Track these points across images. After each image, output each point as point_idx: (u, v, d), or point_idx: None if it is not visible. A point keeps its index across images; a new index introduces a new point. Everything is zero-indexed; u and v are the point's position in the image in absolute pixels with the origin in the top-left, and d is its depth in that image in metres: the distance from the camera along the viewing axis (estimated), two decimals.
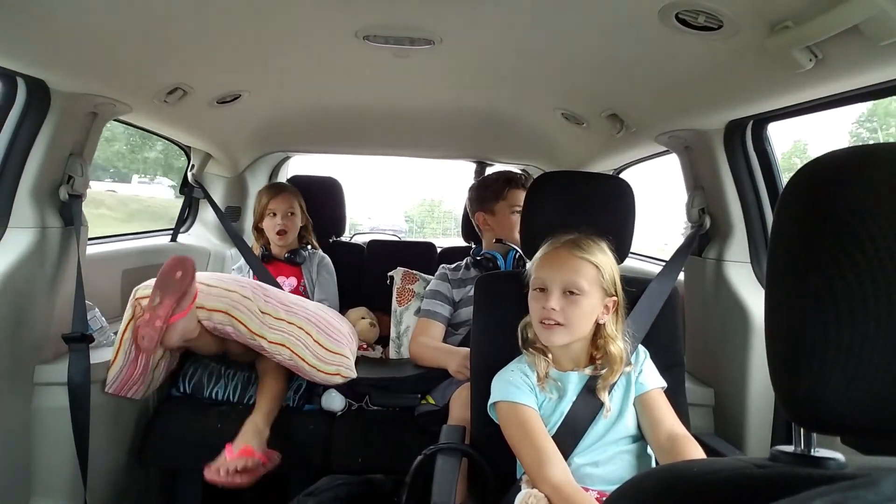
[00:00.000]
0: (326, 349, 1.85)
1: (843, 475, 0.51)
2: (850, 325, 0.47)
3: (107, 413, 1.73)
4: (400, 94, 2.14)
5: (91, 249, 2.03)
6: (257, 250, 2.44)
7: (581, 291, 1.26)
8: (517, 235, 2.09)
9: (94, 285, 1.90)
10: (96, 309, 1.84)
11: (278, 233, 2.37)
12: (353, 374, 1.88)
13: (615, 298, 1.32)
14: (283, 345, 1.79)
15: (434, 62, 1.73)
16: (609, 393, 1.30)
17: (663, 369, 1.40)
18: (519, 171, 2.47)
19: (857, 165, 0.48)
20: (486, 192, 2.22)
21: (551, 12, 1.34)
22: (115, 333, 1.89)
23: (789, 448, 0.55)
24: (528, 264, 1.38)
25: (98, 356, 1.71)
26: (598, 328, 1.32)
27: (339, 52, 1.66)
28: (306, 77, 1.94)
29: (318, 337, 1.85)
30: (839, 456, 0.53)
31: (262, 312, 1.82)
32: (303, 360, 1.81)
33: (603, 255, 1.31)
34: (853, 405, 0.48)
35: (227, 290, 1.81)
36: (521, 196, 2.12)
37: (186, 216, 2.78)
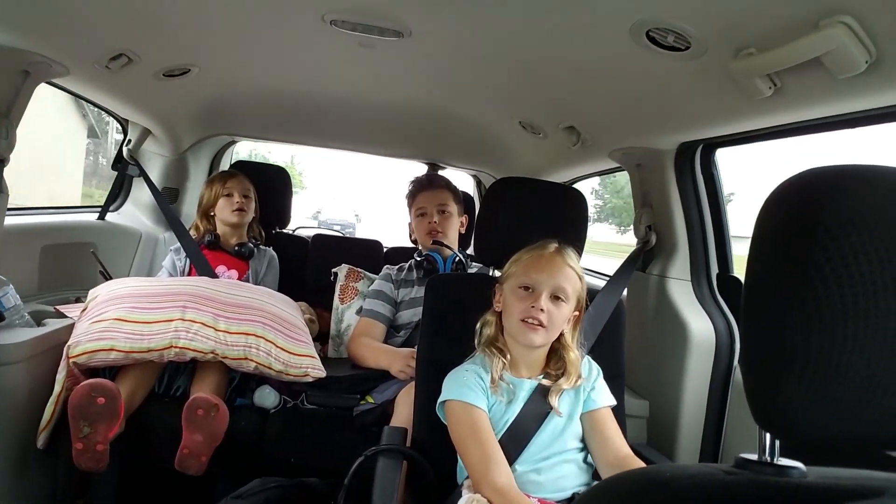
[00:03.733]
0: (291, 353, 1.77)
1: (806, 484, 0.52)
2: (831, 339, 0.48)
3: (17, 399, 1.58)
4: (359, 85, 2.09)
5: (9, 221, 1.86)
6: (197, 236, 2.31)
7: (566, 298, 1.29)
8: (425, 237, 2.14)
9: (9, 260, 1.76)
10: (10, 286, 1.68)
11: (236, 210, 2.27)
12: (323, 373, 1.79)
13: (578, 312, 1.35)
14: (246, 358, 1.71)
15: (399, 56, 1.70)
16: (558, 399, 1.31)
17: (607, 379, 1.42)
18: (428, 174, 2.53)
19: (845, 181, 0.50)
20: (406, 201, 2.27)
21: (526, 20, 1.34)
22: (29, 314, 1.75)
23: (753, 456, 0.56)
24: (507, 265, 1.37)
25: (9, 336, 1.56)
26: (558, 337, 1.33)
27: (302, 34, 1.60)
28: (263, 57, 1.86)
29: (281, 342, 1.76)
30: (801, 465, 0.54)
31: (217, 330, 1.72)
32: (269, 367, 1.73)
33: (580, 269, 1.35)
34: (829, 418, 0.49)
35: (166, 320, 1.70)
36: (425, 197, 2.18)
37: (118, 194, 2.61)
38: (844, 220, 0.48)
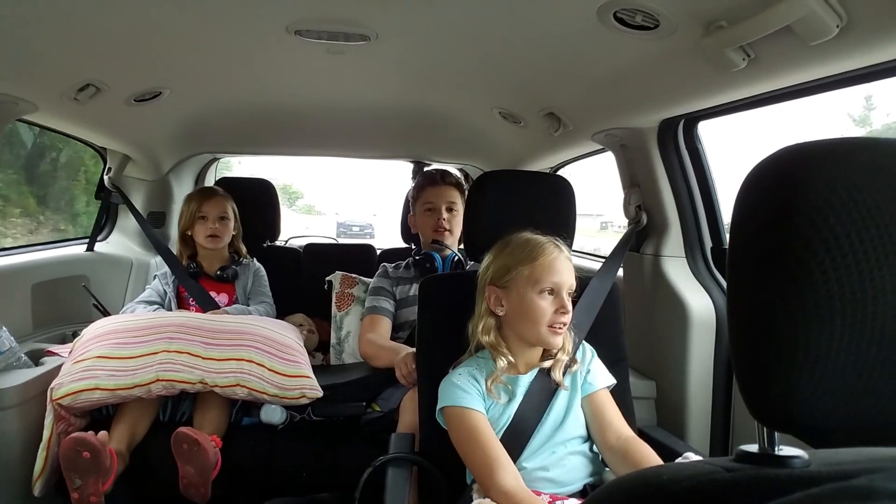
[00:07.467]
0: (285, 375, 1.72)
1: (809, 473, 0.51)
2: (818, 325, 0.46)
3: (18, 440, 1.57)
4: (334, 91, 2.07)
5: None
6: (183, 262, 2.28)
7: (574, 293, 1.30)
8: (431, 234, 2.10)
9: (0, 302, 1.73)
10: (3, 328, 1.67)
11: (210, 236, 2.22)
12: (320, 393, 1.76)
13: None
14: (237, 385, 1.67)
15: (369, 59, 1.68)
16: (560, 373, 1.31)
17: (608, 364, 1.41)
18: (439, 169, 2.45)
19: (820, 159, 0.48)
20: (412, 194, 2.23)
21: (489, 10, 1.32)
22: (25, 355, 1.73)
23: (753, 447, 0.54)
24: (508, 266, 1.33)
25: (6, 380, 1.55)
26: None
27: (270, 47, 1.58)
28: (233, 73, 1.83)
29: (272, 365, 1.72)
30: (803, 454, 0.53)
31: (205, 358, 1.68)
32: (262, 392, 1.69)
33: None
34: (821, 406, 0.47)
35: (151, 353, 1.65)
36: (435, 192, 2.13)
37: (104, 223, 2.58)
38: (820, 202, 0.46)
